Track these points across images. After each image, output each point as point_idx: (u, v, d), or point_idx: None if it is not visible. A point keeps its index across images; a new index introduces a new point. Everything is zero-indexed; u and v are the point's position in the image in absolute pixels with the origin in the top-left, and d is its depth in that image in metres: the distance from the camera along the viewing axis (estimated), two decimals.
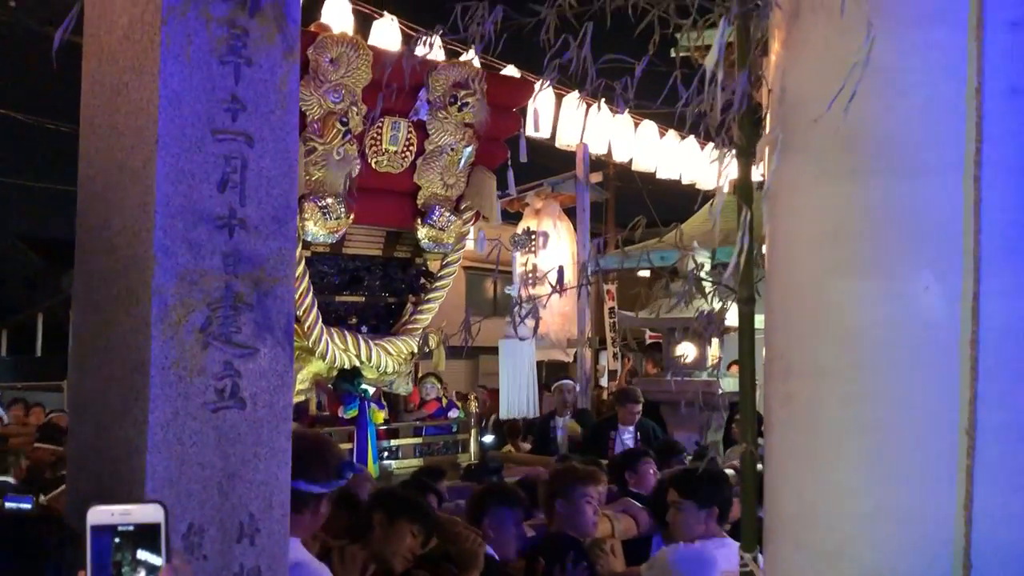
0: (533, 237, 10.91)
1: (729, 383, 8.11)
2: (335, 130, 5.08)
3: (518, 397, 8.44)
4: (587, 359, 10.65)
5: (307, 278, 5.23)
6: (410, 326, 5.96)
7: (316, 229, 5.27)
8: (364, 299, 5.91)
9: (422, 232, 5.86)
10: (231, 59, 2.27)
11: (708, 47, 1.83)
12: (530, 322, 2.32)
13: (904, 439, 1.59)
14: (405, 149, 5.59)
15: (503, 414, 8.70)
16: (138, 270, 2.18)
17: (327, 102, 5.08)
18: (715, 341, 8.44)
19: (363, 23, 7.45)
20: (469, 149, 5.77)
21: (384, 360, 5.70)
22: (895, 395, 1.59)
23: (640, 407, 7.37)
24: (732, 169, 1.93)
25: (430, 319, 6.05)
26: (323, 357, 5.38)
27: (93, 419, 2.31)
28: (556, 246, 11.05)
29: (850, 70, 1.46)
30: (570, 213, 11.32)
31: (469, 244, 6.60)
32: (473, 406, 6.64)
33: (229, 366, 2.26)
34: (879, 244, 1.59)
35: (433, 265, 6.27)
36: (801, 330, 1.72)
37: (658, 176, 10.60)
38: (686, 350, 8.46)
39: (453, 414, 6.39)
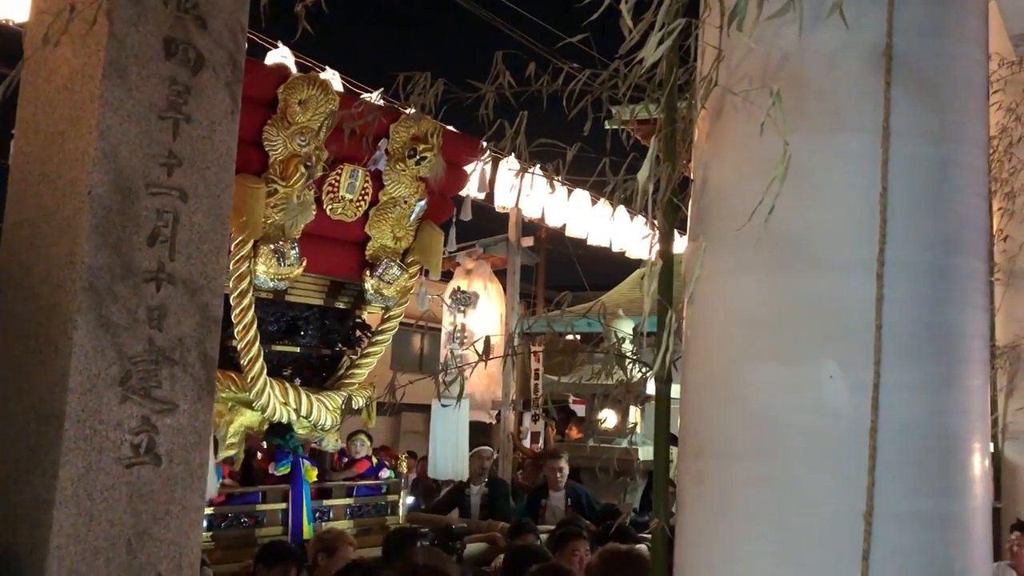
0: (467, 296, 10.93)
1: (648, 451, 8.21)
2: (299, 173, 4.97)
3: (448, 459, 8.31)
4: (510, 421, 10.64)
5: (255, 326, 5.07)
6: (346, 380, 5.81)
7: (268, 274, 5.12)
8: (298, 350, 5.75)
9: (369, 284, 5.76)
10: (170, 115, 2.29)
11: (640, 121, 1.90)
12: (455, 387, 2.35)
13: (808, 524, 1.65)
14: (360, 198, 5.56)
15: (431, 474, 8.52)
16: (59, 320, 2.15)
17: (293, 144, 4.99)
18: (635, 409, 8.55)
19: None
20: (421, 203, 5.76)
21: (323, 415, 5.52)
22: (800, 480, 1.66)
23: (562, 463, 7.33)
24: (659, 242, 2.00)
25: (366, 374, 5.92)
26: (263, 410, 5.22)
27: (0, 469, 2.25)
28: (486, 307, 11.09)
29: (769, 181, 1.55)
30: (500, 275, 11.40)
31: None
32: (404, 466, 6.39)
33: (147, 421, 2.23)
34: (789, 334, 1.67)
35: (370, 319, 6.17)
36: (713, 411, 1.79)
37: (589, 243, 10.78)
38: (607, 417, 8.55)
39: (384, 474, 6.13)
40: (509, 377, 10.74)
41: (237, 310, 4.95)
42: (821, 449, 1.63)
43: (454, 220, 6.33)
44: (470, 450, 9.14)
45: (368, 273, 5.73)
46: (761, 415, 1.68)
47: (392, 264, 5.75)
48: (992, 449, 4.63)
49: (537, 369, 13.18)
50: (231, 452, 5.23)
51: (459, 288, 11.18)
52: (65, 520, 2.08)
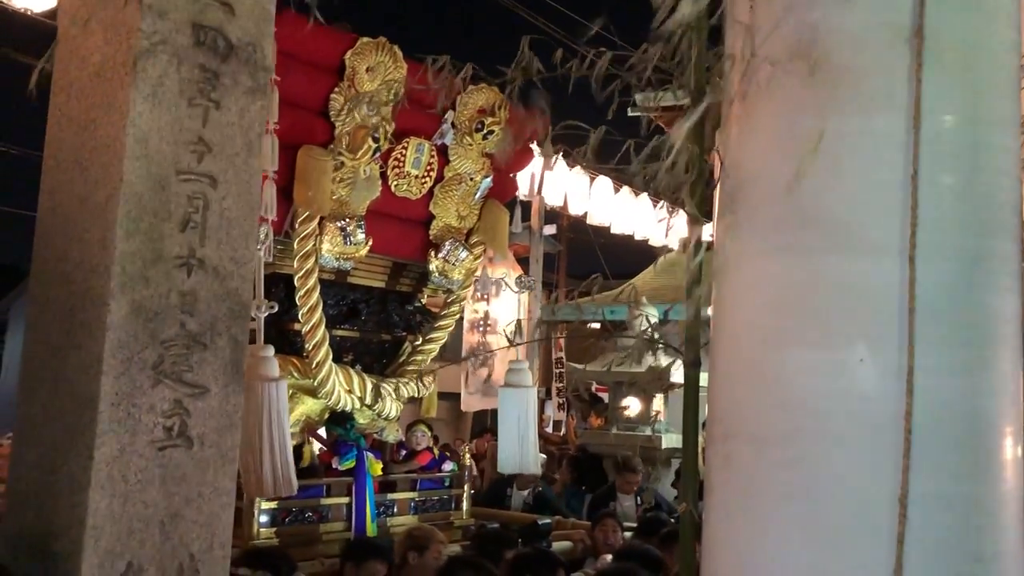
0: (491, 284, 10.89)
1: (672, 439, 8.18)
2: (366, 146, 4.61)
3: (518, 451, 7.87)
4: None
5: (320, 309, 4.75)
6: (407, 367, 5.50)
7: (333, 253, 4.77)
8: (358, 334, 5.42)
9: (434, 265, 5.41)
10: (200, 101, 2.31)
11: (664, 108, 1.89)
12: (483, 372, 2.36)
13: (837, 506, 1.65)
14: (426, 174, 5.20)
15: (501, 469, 8.00)
16: (94, 305, 2.18)
17: (361, 114, 4.62)
18: (659, 397, 8.54)
19: None
20: (487, 180, 5.47)
21: (388, 403, 5.19)
22: (829, 462, 1.66)
23: (639, 477, 7.14)
24: (682, 228, 2.00)
25: (427, 361, 5.61)
26: (327, 397, 4.93)
27: (37, 451, 2.29)
28: (508, 295, 11.11)
29: (802, 156, 1.54)
30: (523, 263, 11.42)
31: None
32: (467, 459, 6.05)
33: (179, 404, 2.26)
34: (818, 317, 1.67)
35: (429, 302, 5.84)
36: (741, 395, 1.79)
37: (612, 231, 10.76)
38: (631, 404, 8.54)
39: (447, 467, 5.75)
40: (533, 365, 10.76)
41: (302, 291, 4.67)
42: (850, 433, 1.63)
43: (518, 199, 6.04)
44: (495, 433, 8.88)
45: (433, 254, 5.40)
46: (790, 399, 1.68)
47: (458, 244, 5.42)
48: None
49: (560, 357, 13.21)
50: (294, 443, 4.79)
51: (483, 275, 11.16)
52: (100, 501, 2.12)
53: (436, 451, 5.90)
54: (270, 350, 4.16)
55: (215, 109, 2.34)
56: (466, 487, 5.85)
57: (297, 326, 4.74)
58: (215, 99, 2.34)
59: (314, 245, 4.65)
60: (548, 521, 5.74)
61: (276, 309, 4.31)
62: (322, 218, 4.67)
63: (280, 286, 4.80)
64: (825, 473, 1.66)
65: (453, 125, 5.22)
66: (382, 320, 5.54)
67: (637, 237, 10.84)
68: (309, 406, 5.06)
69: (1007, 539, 1.60)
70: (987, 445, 1.59)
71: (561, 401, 13.08)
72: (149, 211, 2.22)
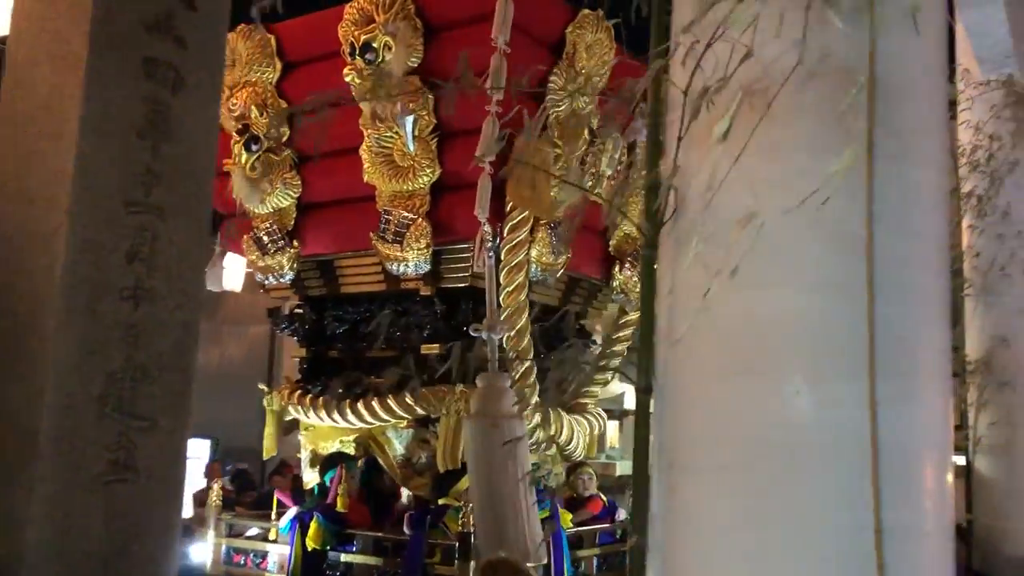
0: None
1: (626, 466, 8.22)
2: (581, 138, 3.98)
3: None
4: None
5: (528, 332, 3.99)
6: (582, 400, 4.73)
7: (539, 263, 4.09)
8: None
9: (618, 280, 4.70)
10: (149, 133, 2.31)
11: None
12: None
13: (778, 534, 1.68)
14: (617, 176, 4.32)
15: None
16: (38, 337, 2.16)
17: (578, 100, 3.94)
18: (615, 424, 8.58)
19: None
20: None
21: (578, 440, 4.46)
22: (771, 493, 1.69)
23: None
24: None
25: (600, 391, 4.86)
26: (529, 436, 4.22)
27: None
28: None
29: (754, 192, 1.57)
30: None
31: None
32: None
33: (124, 437, 2.24)
34: (760, 350, 1.71)
35: (589, 324, 5.17)
36: (686, 424, 1.82)
37: None
38: None
39: (621, 516, 4.78)
40: None
41: (511, 309, 4.00)
42: (788, 462, 1.66)
43: None
44: None
45: (618, 268, 4.76)
46: (732, 429, 1.71)
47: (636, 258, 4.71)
48: (964, 463, 4.71)
49: None
50: None
51: None
52: (40, 537, 2.08)
53: (604, 498, 4.91)
54: (506, 379, 3.44)
55: (165, 141, 2.34)
56: None
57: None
58: (165, 131, 2.34)
59: (526, 255, 4.07)
60: None
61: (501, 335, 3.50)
62: (534, 221, 4.00)
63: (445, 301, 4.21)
64: (768, 503, 1.69)
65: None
66: (548, 344, 4.75)
67: None
68: None
69: (937, 567, 1.64)
70: (916, 475, 1.64)
71: None
72: (96, 243, 2.21)
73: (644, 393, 2.06)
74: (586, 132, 4.01)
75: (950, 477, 1.71)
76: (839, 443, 1.62)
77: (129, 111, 2.27)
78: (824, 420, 1.64)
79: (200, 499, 6.94)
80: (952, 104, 4.62)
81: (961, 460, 4.77)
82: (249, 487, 7.32)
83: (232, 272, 7.58)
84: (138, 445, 2.25)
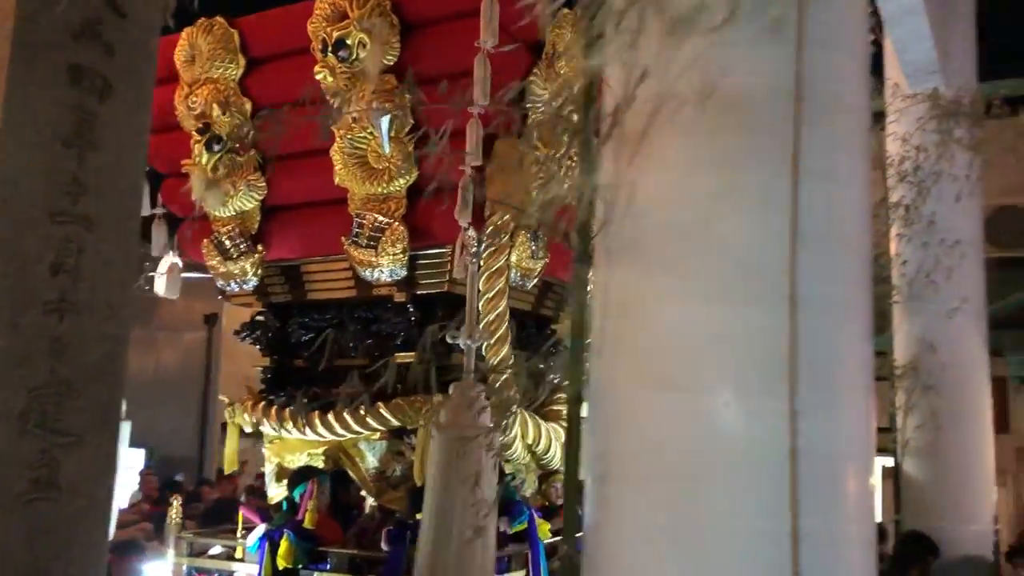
0: None
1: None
2: (564, 140, 4.01)
3: None
4: None
5: (509, 341, 3.96)
6: (553, 407, 4.70)
7: (519, 267, 4.00)
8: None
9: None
10: (76, 142, 2.25)
11: None
12: None
13: (712, 546, 1.70)
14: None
15: None
16: None
17: (558, 100, 3.86)
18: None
19: None
20: None
21: (554, 449, 4.41)
22: (702, 504, 1.71)
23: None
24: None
25: None
26: (505, 449, 4.26)
27: None
28: None
29: (692, 207, 1.60)
30: None
31: None
32: None
33: (47, 454, 2.18)
34: (687, 362, 1.74)
35: (560, 329, 5.18)
36: (615, 436, 1.84)
37: None
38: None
39: None
40: None
41: (490, 316, 3.95)
42: (715, 474, 1.69)
43: None
44: None
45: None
46: (659, 440, 1.74)
47: None
48: (893, 465, 4.83)
49: None
50: None
51: None
52: None
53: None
54: (481, 390, 3.35)
55: (92, 150, 2.29)
56: None
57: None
58: (92, 140, 2.29)
59: (506, 260, 4.02)
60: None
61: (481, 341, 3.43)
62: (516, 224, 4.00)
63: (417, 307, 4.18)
64: (699, 514, 1.71)
65: None
66: (524, 350, 4.68)
67: None
68: None
69: (857, 571, 1.69)
70: (839, 481, 1.68)
71: None
72: (18, 255, 2.15)
73: (574, 404, 2.08)
74: (564, 135, 4.04)
75: (872, 484, 1.75)
76: (762, 453, 1.66)
77: (54, 119, 2.21)
78: (748, 431, 1.67)
79: (138, 512, 6.77)
80: (880, 116, 4.76)
81: (890, 462, 4.90)
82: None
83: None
84: (62, 462, 2.19)
